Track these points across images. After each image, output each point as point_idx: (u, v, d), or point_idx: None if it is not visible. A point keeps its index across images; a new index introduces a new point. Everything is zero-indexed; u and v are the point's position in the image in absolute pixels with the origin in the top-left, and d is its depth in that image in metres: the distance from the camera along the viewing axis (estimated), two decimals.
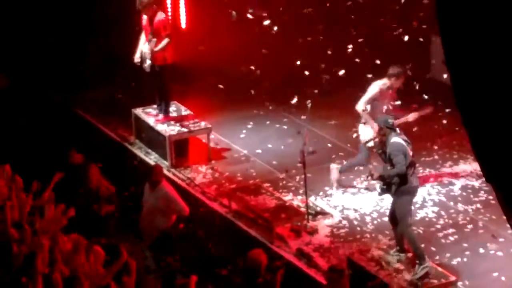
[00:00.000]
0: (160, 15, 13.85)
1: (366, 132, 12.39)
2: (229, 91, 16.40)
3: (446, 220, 12.67)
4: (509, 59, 5.74)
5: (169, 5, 16.94)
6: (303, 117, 15.21)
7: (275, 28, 16.92)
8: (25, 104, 16.87)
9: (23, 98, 17.01)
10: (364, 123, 12.57)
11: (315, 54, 16.92)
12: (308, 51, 17.20)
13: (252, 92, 16.03)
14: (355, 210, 13.08)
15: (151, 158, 14.46)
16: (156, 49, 13.42)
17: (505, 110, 6.23)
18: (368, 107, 12.43)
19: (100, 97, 17.00)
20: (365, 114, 12.39)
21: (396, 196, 11.15)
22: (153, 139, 14.48)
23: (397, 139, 10.93)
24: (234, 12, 17.35)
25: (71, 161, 13.88)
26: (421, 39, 16.71)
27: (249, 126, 15.39)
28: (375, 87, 12.79)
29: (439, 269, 11.47)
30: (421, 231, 12.24)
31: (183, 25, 17.10)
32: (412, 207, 11.74)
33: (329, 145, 14.66)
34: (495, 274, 11.51)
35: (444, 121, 14.71)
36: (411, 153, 10.98)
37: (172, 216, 11.94)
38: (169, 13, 16.82)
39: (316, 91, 15.50)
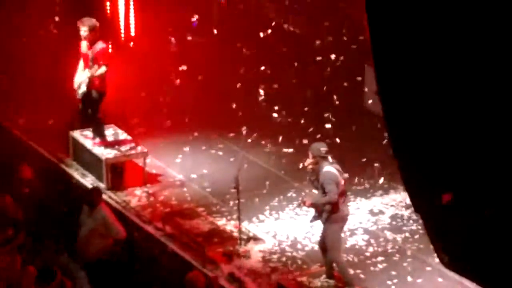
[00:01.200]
0: (101, 44, 14.09)
1: None
2: (167, 115, 16.64)
3: (376, 248, 12.91)
4: (438, 92, 6.24)
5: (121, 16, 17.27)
6: (238, 144, 15.22)
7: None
8: None
9: None
10: None
11: (252, 80, 17.39)
12: (244, 77, 17.39)
13: (187, 119, 16.21)
14: (287, 237, 13.23)
15: (88, 180, 14.44)
16: (96, 73, 13.73)
17: (433, 143, 6.48)
18: None
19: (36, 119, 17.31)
20: None
21: (327, 223, 11.33)
22: (90, 162, 14.58)
23: (329, 168, 11.17)
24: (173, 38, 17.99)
25: (21, 175, 13.89)
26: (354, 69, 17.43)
27: (186, 150, 15.46)
28: None
29: None
30: (350, 258, 12.45)
31: (133, 33, 17.50)
32: (342, 235, 12.05)
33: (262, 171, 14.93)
34: None
35: (375, 152, 15.23)
36: (342, 182, 11.24)
37: (109, 238, 12.13)
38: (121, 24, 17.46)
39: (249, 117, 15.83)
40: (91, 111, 14.64)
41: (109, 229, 12.03)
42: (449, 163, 7.03)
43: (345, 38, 17.33)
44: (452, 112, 6.78)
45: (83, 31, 13.83)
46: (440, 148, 6.97)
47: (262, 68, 17.78)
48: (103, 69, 14.05)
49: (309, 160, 11.67)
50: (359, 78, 16.71)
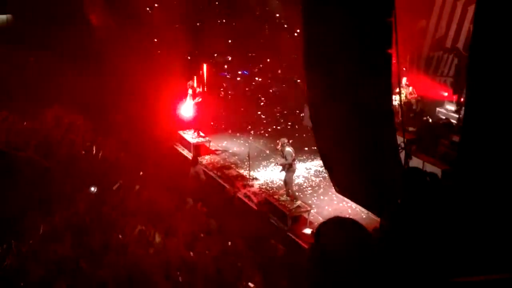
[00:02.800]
0: (197, 89, 23.06)
1: None
2: (219, 123, 25.54)
3: (308, 184, 20.26)
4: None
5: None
6: (249, 136, 23.69)
7: None
8: None
9: None
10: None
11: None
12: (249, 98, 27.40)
13: (223, 125, 25.42)
14: (270, 178, 20.85)
15: (185, 152, 23.10)
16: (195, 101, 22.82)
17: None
18: None
19: None
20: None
21: (287, 172, 18.16)
22: (186, 144, 23.63)
23: (288, 148, 18.10)
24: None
25: None
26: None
27: (227, 139, 23.87)
28: None
29: (301, 203, 18.01)
30: (295, 188, 19.29)
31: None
32: (293, 177, 18.78)
33: None
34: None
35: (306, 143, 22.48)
36: (293, 154, 18.02)
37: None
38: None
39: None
40: (190, 121, 23.67)
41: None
42: None
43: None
44: None
45: (189, 85, 23.18)
46: None
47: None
48: (198, 99, 22.94)
49: (279, 145, 18.66)
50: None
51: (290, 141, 19.52)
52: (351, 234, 3.97)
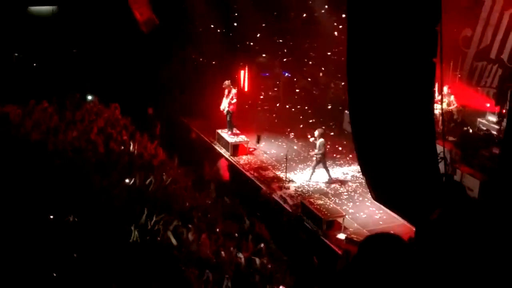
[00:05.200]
0: (233, 89, 23.36)
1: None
2: (256, 125, 25.60)
3: (345, 189, 20.65)
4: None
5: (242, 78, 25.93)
6: (286, 139, 24.07)
7: None
8: None
9: None
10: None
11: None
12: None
13: (254, 129, 25.81)
14: (306, 181, 21.24)
15: (223, 151, 23.62)
16: (232, 102, 23.27)
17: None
18: None
19: None
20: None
21: (322, 161, 20.95)
22: (224, 143, 23.67)
23: (322, 139, 20.68)
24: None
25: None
26: None
27: (263, 141, 24.37)
28: None
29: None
30: (332, 193, 20.27)
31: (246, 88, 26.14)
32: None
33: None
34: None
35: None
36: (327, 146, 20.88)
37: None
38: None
39: None
40: (229, 120, 23.85)
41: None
42: None
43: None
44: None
45: (225, 85, 23.61)
46: None
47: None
48: (234, 100, 23.38)
49: (316, 135, 20.87)
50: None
51: (328, 146, 21.05)
52: (395, 254, 4.02)
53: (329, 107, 26.02)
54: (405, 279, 3.88)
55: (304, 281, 14.96)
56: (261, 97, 27.53)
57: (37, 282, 12.12)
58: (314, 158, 21.22)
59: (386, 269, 3.92)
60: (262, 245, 16.48)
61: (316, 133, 20.86)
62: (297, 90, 27.28)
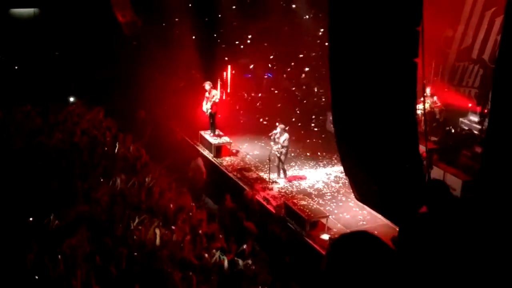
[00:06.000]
0: (214, 91, 23.15)
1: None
2: (238, 126, 25.54)
3: (328, 189, 20.84)
4: None
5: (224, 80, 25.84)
6: (269, 141, 22.17)
7: None
8: None
9: None
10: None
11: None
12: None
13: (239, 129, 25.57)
14: (289, 182, 21.13)
15: (206, 153, 23.28)
16: (213, 101, 22.85)
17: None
18: None
19: None
20: None
21: (285, 156, 21.12)
22: (207, 145, 23.56)
23: (285, 135, 20.78)
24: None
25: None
26: None
27: (246, 143, 24.22)
28: None
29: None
30: (315, 193, 20.29)
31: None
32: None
33: None
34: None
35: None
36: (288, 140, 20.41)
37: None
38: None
39: None
40: (211, 121, 23.64)
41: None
42: None
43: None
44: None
45: (206, 85, 23.42)
46: None
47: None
48: (217, 101, 23.01)
49: (278, 130, 20.94)
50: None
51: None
52: (368, 250, 3.90)
53: (311, 107, 26.06)
54: (381, 279, 3.77)
55: (279, 279, 14.94)
56: (244, 98, 27.49)
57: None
58: (278, 155, 21.06)
59: (358, 268, 3.80)
60: (244, 246, 16.21)
61: (278, 129, 20.72)
62: (276, 92, 27.41)
